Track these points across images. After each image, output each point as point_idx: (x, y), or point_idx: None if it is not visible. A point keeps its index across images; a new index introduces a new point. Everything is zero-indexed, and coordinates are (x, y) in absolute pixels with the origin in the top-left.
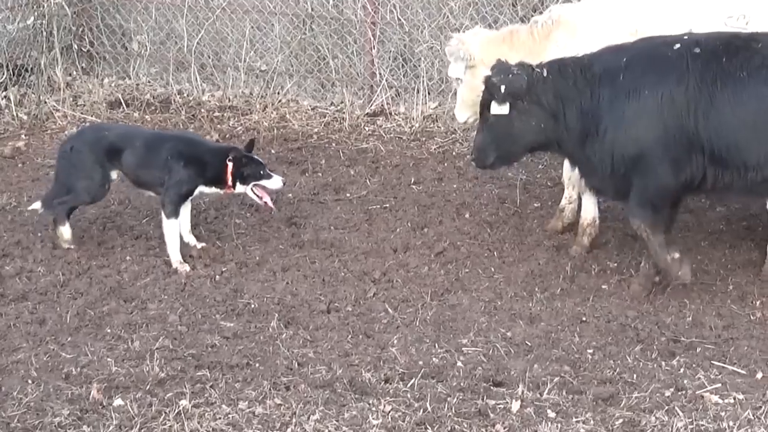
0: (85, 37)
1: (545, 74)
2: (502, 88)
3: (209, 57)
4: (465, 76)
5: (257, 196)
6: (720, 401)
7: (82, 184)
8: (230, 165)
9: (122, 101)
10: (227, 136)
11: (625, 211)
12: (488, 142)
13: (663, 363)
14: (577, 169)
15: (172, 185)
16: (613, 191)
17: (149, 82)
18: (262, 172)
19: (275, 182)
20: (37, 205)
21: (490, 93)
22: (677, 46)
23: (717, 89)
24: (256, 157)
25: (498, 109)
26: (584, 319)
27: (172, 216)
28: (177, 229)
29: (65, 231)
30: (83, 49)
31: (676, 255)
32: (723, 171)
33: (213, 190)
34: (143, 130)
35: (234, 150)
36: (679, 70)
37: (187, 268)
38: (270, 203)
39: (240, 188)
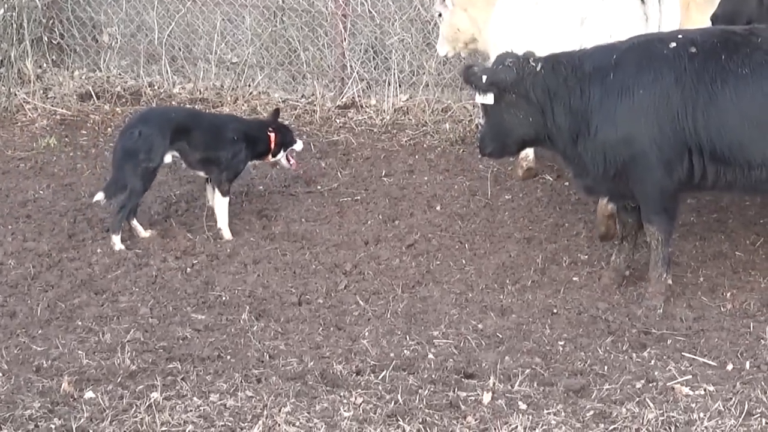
0: (56, 30)
1: (538, 69)
2: (484, 78)
3: (180, 49)
4: (445, 13)
5: (288, 161)
6: (691, 393)
7: (140, 174)
8: (272, 135)
9: (93, 93)
10: None
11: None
12: (486, 131)
13: (634, 355)
14: (570, 170)
15: (232, 164)
16: (606, 192)
17: (120, 74)
18: (293, 137)
19: (299, 144)
20: (100, 196)
21: (469, 82)
22: (673, 44)
23: (717, 87)
24: (285, 124)
25: (482, 98)
26: (555, 311)
27: (227, 194)
28: (227, 205)
29: (117, 240)
30: (53, 41)
31: (670, 281)
32: (725, 169)
33: (255, 161)
34: (202, 111)
35: (272, 121)
36: (676, 70)
37: (231, 238)
38: (297, 166)
39: (278, 156)
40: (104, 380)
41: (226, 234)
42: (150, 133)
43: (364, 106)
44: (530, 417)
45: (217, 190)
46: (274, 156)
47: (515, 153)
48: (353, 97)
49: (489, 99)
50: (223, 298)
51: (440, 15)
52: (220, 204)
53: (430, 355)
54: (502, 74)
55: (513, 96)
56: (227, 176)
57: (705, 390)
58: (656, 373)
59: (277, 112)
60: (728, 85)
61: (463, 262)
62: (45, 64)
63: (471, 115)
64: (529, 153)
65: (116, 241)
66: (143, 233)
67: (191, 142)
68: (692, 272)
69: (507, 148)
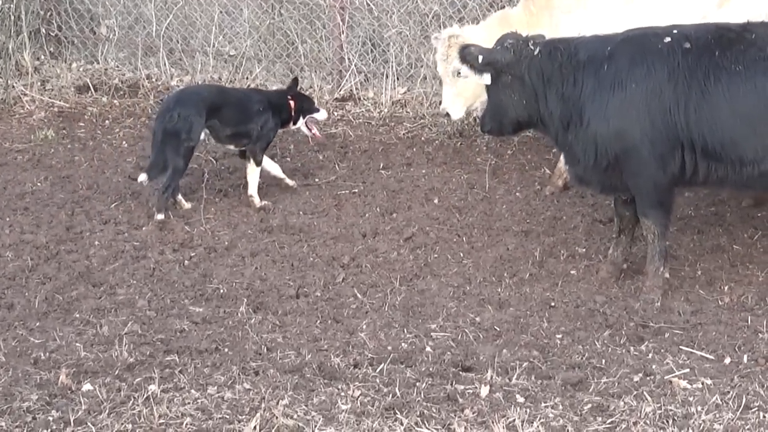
0: (53, 22)
1: (536, 52)
2: (480, 57)
3: (178, 42)
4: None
5: (308, 128)
6: (688, 386)
7: (182, 154)
8: (292, 102)
9: (90, 86)
10: None
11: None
12: (487, 110)
13: (631, 348)
14: (562, 158)
15: (263, 135)
16: (598, 184)
17: (117, 66)
18: (312, 106)
19: (322, 113)
20: (143, 177)
21: (465, 61)
22: (667, 39)
23: (710, 84)
24: (304, 93)
25: (480, 79)
26: (553, 304)
27: (261, 164)
28: (259, 174)
29: (162, 217)
30: (51, 33)
31: (667, 275)
32: (717, 165)
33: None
34: (227, 87)
35: (290, 89)
36: (669, 65)
37: (267, 204)
38: (318, 134)
39: (298, 123)
40: (102, 373)
41: (256, 200)
42: (189, 113)
43: (361, 98)
44: (528, 410)
45: (252, 160)
46: (294, 123)
47: (512, 133)
48: (351, 90)
49: (486, 79)
50: (221, 291)
51: (459, 74)
52: (253, 173)
53: (428, 348)
54: (499, 55)
55: (509, 77)
56: (260, 146)
57: (703, 383)
58: (654, 366)
59: (295, 80)
60: (721, 82)
61: (461, 255)
62: (43, 56)
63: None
64: None
65: (160, 217)
66: (186, 205)
67: (222, 118)
68: (690, 266)
69: (504, 127)
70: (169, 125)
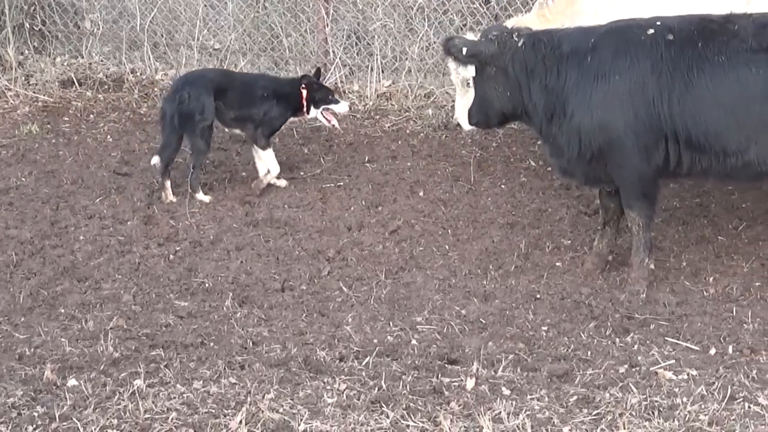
0: (37, 16)
1: (519, 44)
2: (464, 50)
3: (162, 35)
4: None
5: (326, 119)
6: (674, 377)
7: (199, 133)
8: (304, 91)
9: (75, 80)
10: None
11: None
12: (473, 102)
13: (617, 340)
14: (546, 148)
15: (267, 121)
16: (582, 176)
17: (102, 60)
18: (330, 96)
19: (342, 106)
20: (156, 159)
21: (450, 53)
22: (651, 31)
23: (694, 75)
24: (323, 84)
25: (464, 70)
26: (538, 296)
27: (268, 146)
28: (273, 152)
29: (202, 196)
30: (35, 27)
31: (652, 266)
32: (700, 156)
33: (294, 118)
34: (233, 71)
35: (306, 77)
36: (653, 57)
37: (285, 183)
38: (337, 125)
39: (312, 113)
40: (87, 368)
41: (279, 180)
42: (199, 93)
43: (346, 91)
44: (514, 402)
45: (256, 146)
46: (308, 113)
47: (498, 125)
48: (336, 83)
49: (470, 71)
50: (206, 285)
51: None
52: (265, 156)
53: (414, 341)
54: (483, 47)
55: (493, 69)
56: (263, 132)
57: (688, 374)
58: (639, 357)
59: (318, 71)
60: (704, 73)
61: (446, 247)
62: (27, 51)
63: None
64: None
65: (202, 197)
66: (171, 197)
67: (226, 101)
68: (675, 257)
69: (490, 119)
70: (182, 106)
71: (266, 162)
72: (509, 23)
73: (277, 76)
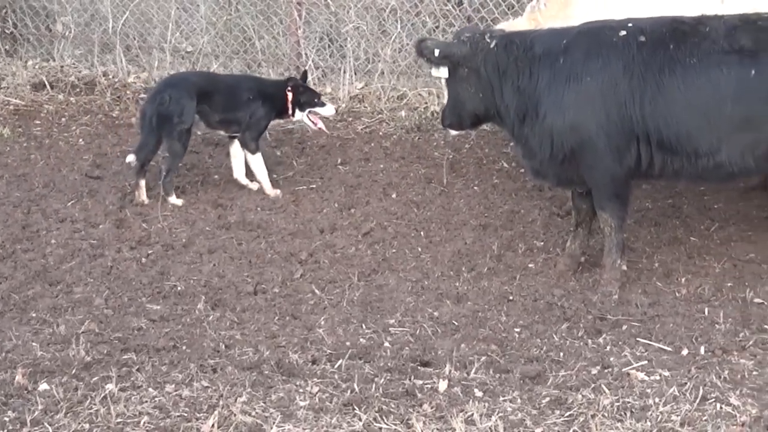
0: (9, 19)
1: (491, 45)
2: (437, 51)
3: (134, 38)
4: None
5: (312, 121)
6: (646, 378)
7: (176, 136)
8: (289, 94)
9: (47, 83)
10: None
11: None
12: (447, 104)
13: (589, 341)
14: (518, 150)
15: (253, 123)
16: (554, 177)
17: (74, 64)
18: (316, 99)
19: (328, 109)
20: (131, 157)
21: (422, 55)
22: (622, 32)
23: (665, 77)
24: (310, 86)
25: (437, 72)
26: (511, 298)
27: (257, 150)
28: (262, 159)
29: (175, 200)
30: (6, 30)
31: (624, 267)
32: (672, 158)
33: (278, 120)
34: (219, 74)
35: (292, 80)
36: (625, 58)
37: (279, 193)
38: (323, 128)
39: (298, 115)
40: (59, 372)
41: (268, 189)
42: (180, 96)
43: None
44: (486, 404)
45: (246, 150)
46: (293, 115)
47: (471, 127)
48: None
49: (443, 72)
50: (179, 288)
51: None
52: (254, 162)
53: (386, 344)
54: (455, 48)
55: (465, 70)
56: (251, 135)
57: (660, 375)
58: (612, 359)
59: (305, 74)
60: (676, 75)
61: (419, 249)
62: None
63: (426, 103)
64: None
65: (174, 200)
66: (144, 197)
67: (211, 104)
68: (647, 258)
69: (463, 121)
70: (161, 108)
71: (255, 168)
72: (500, 27)
73: (264, 77)
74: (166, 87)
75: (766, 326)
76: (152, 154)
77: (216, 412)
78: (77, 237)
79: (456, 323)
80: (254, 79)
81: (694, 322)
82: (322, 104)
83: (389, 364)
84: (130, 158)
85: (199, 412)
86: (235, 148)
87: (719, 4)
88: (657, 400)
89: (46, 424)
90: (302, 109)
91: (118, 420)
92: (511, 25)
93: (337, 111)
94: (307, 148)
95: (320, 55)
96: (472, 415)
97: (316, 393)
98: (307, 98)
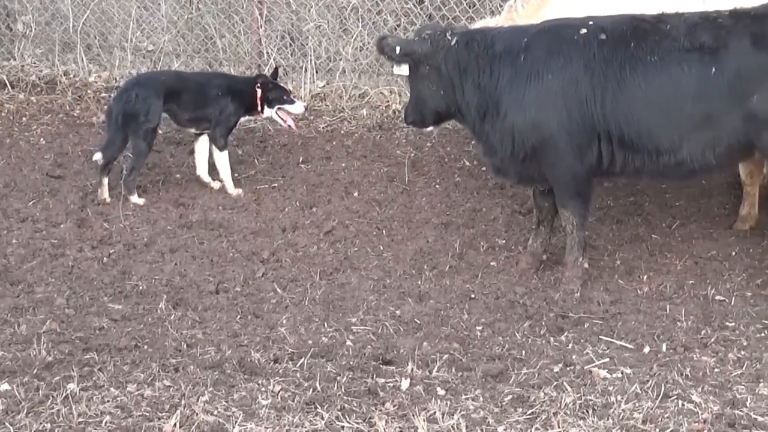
0: None
1: (452, 43)
2: (397, 49)
3: (95, 37)
4: None
5: (281, 119)
6: (608, 376)
7: (142, 135)
8: (258, 90)
9: (7, 83)
10: None
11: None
12: (409, 101)
13: (551, 339)
14: (480, 147)
15: (222, 120)
16: (516, 175)
17: (35, 63)
18: (285, 96)
19: (297, 107)
20: (98, 155)
21: (383, 53)
22: (583, 30)
23: (626, 74)
24: (279, 84)
25: (397, 69)
26: (473, 296)
27: (225, 148)
28: (228, 158)
29: (136, 199)
30: None
31: (586, 265)
32: (633, 155)
33: (248, 117)
34: (187, 73)
35: (261, 77)
36: (586, 56)
37: (241, 192)
38: (293, 126)
39: (267, 112)
40: (20, 372)
41: (230, 188)
42: (147, 95)
43: None
44: (448, 402)
45: (214, 146)
46: (262, 112)
47: (434, 124)
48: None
49: (405, 70)
50: (140, 288)
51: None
52: (220, 159)
53: (348, 342)
54: (416, 46)
55: (426, 68)
56: (220, 132)
57: (622, 373)
58: (574, 356)
59: (276, 71)
60: (636, 73)
61: (381, 248)
62: None
63: (388, 101)
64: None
65: (136, 200)
66: (107, 196)
67: (180, 103)
68: (609, 255)
69: (425, 118)
70: (128, 107)
71: (219, 165)
72: (477, 25)
73: (233, 74)
74: (133, 86)
75: (727, 323)
76: (119, 153)
77: (178, 412)
78: (38, 237)
79: (418, 321)
80: (223, 76)
81: (656, 320)
82: (292, 101)
83: (351, 363)
84: (97, 156)
85: (161, 411)
86: (201, 145)
87: (701, 4)
88: (619, 397)
89: (7, 424)
90: (271, 106)
91: (80, 420)
92: (488, 24)
93: (306, 108)
94: (269, 147)
95: (281, 53)
96: (435, 413)
97: (278, 392)
98: (276, 95)
